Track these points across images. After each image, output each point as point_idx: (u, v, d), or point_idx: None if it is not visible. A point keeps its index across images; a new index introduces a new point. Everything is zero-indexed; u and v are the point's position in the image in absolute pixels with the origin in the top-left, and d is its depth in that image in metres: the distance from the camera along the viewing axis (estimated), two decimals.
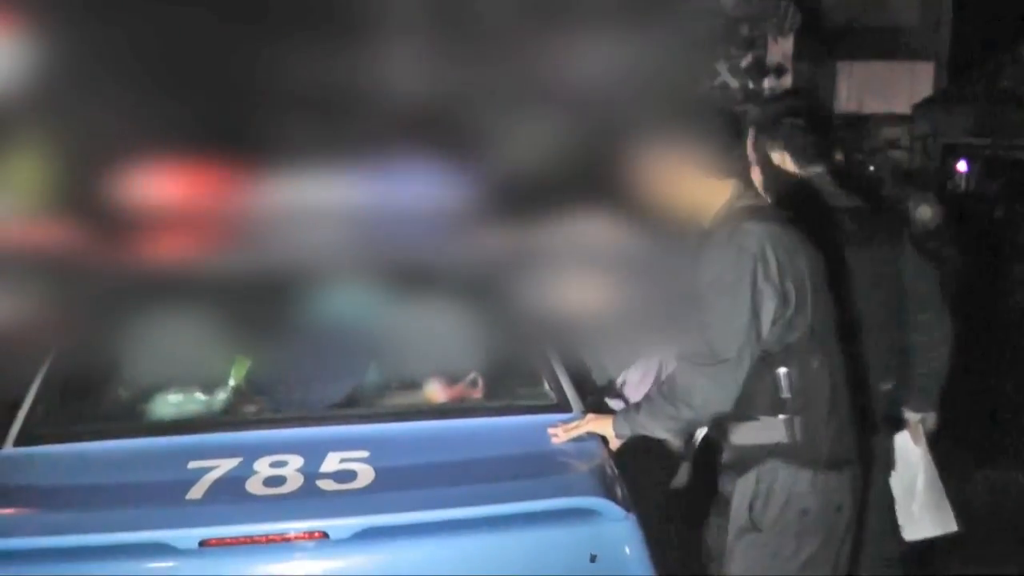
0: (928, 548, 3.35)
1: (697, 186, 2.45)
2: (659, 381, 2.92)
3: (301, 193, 3.06)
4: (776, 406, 2.37)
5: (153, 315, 3.18)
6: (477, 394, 3.05)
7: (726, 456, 2.53)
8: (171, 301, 3.24)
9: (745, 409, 2.40)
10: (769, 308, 2.30)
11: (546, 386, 2.93)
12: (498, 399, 3.05)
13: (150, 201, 3.78)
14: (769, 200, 2.63)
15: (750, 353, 2.32)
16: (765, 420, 2.39)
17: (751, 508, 2.43)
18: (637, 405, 2.56)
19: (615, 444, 2.67)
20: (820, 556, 2.39)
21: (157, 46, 2.63)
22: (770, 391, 2.37)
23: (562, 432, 2.69)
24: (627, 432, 2.59)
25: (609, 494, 2.38)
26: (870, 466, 2.72)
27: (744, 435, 2.44)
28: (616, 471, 2.56)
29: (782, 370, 2.35)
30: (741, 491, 2.45)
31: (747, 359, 2.33)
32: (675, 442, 3.00)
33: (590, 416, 2.74)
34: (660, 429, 2.52)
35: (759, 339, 2.32)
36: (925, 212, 6.04)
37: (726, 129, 2.47)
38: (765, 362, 2.35)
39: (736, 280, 2.29)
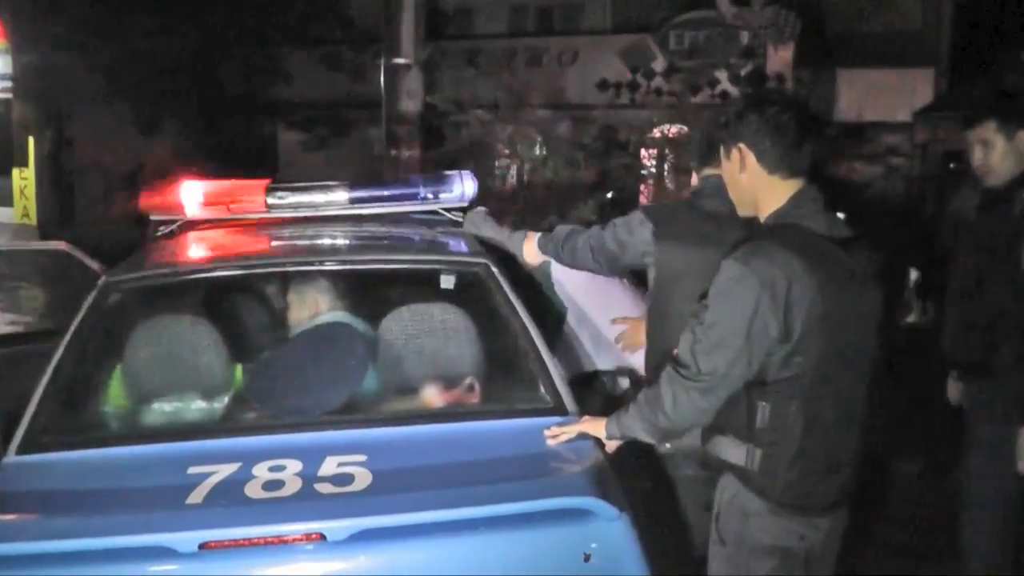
0: None
1: (759, 183, 2.45)
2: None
3: None
4: (745, 432, 2.38)
5: (154, 323, 3.23)
6: (473, 398, 3.09)
7: (707, 459, 2.56)
8: (173, 310, 3.30)
9: (722, 421, 2.43)
10: (765, 339, 2.28)
11: (542, 389, 2.95)
12: (494, 403, 3.10)
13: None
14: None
15: (738, 375, 2.32)
16: (733, 439, 2.42)
17: (717, 519, 2.51)
18: (628, 407, 2.58)
19: (611, 447, 2.71)
20: None
21: None
22: (745, 416, 2.38)
23: (557, 433, 2.72)
24: (617, 434, 2.62)
25: (602, 494, 2.40)
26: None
27: (715, 445, 2.48)
28: (610, 471, 2.59)
29: (762, 403, 2.35)
30: (715, 500, 2.52)
31: (732, 381, 2.34)
32: (659, 448, 3.02)
33: (585, 418, 2.77)
34: (641, 432, 2.55)
35: (749, 365, 2.31)
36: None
37: (795, 124, 2.41)
38: (752, 389, 2.35)
39: (740, 301, 2.28)
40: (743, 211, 2.56)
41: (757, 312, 2.26)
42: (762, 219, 2.48)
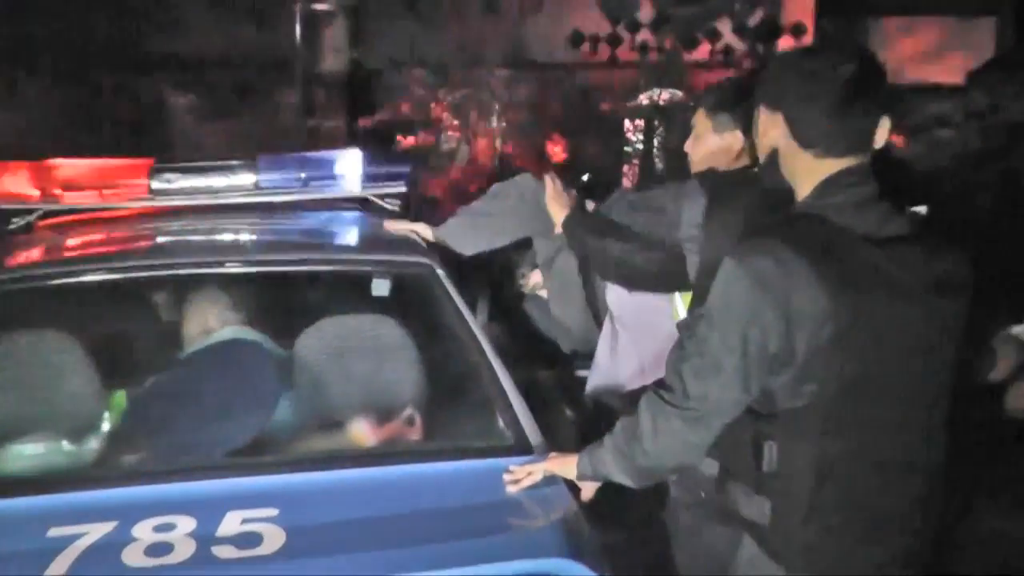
0: None
1: (791, 158, 2.39)
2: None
3: None
4: (751, 477, 2.36)
5: (4, 342, 3.21)
6: (414, 435, 3.10)
7: (724, 512, 2.55)
8: (31, 325, 3.28)
9: (729, 462, 2.44)
10: (765, 354, 2.25)
11: (500, 422, 2.98)
12: (440, 440, 3.12)
13: None
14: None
15: (734, 401, 2.30)
16: (744, 487, 2.40)
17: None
18: (603, 440, 2.57)
19: (587, 492, 2.72)
20: None
21: None
22: (749, 457, 2.35)
23: (519, 476, 2.73)
24: (588, 473, 2.61)
25: (576, 553, 2.42)
26: None
27: (728, 494, 2.46)
28: (585, 524, 2.62)
29: (768, 441, 2.32)
30: (736, 560, 2.53)
31: (727, 409, 2.31)
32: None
33: (552, 455, 2.78)
34: (618, 472, 2.52)
35: (746, 390, 2.29)
36: None
37: (847, 86, 2.28)
38: (760, 422, 2.33)
39: (735, 306, 2.26)
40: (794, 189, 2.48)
41: (754, 320, 2.23)
42: (796, 205, 2.43)
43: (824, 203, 2.33)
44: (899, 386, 2.32)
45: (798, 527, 2.32)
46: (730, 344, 2.26)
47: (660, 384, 2.41)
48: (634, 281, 3.35)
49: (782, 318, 2.22)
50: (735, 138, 3.26)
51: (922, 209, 2.52)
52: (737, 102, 3.20)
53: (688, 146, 3.40)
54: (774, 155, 2.52)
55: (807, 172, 2.37)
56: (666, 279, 3.26)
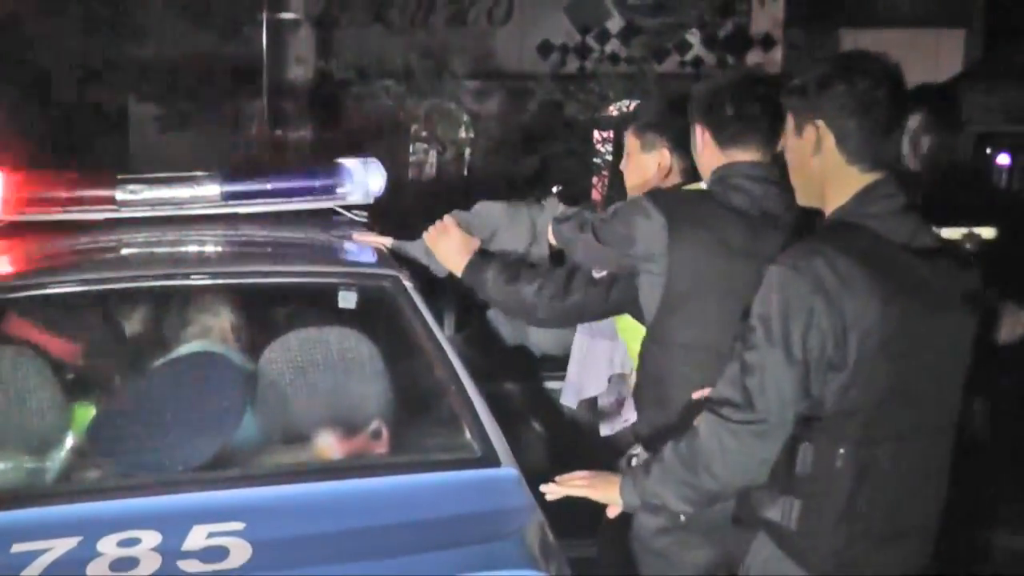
0: None
1: (833, 171, 2.43)
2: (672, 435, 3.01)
3: None
4: (784, 479, 2.38)
5: None
6: (380, 448, 3.11)
7: (739, 511, 2.59)
8: None
9: None
10: (824, 357, 2.28)
11: (467, 435, 2.99)
12: (407, 453, 3.13)
13: None
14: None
15: (798, 409, 2.32)
16: (769, 488, 2.42)
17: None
18: (647, 466, 2.54)
19: (613, 511, 2.67)
20: None
21: None
22: (784, 458, 2.37)
23: (561, 487, 2.68)
24: (636, 503, 2.57)
25: (542, 566, 2.44)
26: None
27: (750, 493, 2.48)
28: (551, 537, 2.63)
29: (804, 444, 2.35)
30: (744, 565, 2.56)
31: (791, 420, 2.33)
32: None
33: (586, 474, 2.70)
34: (675, 499, 2.48)
35: (809, 395, 2.31)
36: None
37: (889, 104, 2.38)
38: (796, 424, 2.35)
39: (792, 311, 2.28)
40: (805, 200, 2.55)
41: (812, 323, 2.26)
42: (827, 215, 2.48)
43: (864, 212, 2.39)
44: (930, 394, 2.40)
45: (829, 530, 2.36)
46: (792, 352, 2.29)
47: (718, 403, 2.40)
48: (551, 323, 3.41)
49: (839, 322, 2.26)
50: (663, 156, 3.33)
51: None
52: (666, 121, 3.26)
53: (623, 164, 3.47)
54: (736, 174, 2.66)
55: (844, 183, 2.43)
56: (586, 313, 3.36)
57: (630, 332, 3.29)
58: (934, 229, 2.47)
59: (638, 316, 3.13)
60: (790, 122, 2.53)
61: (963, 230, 3.88)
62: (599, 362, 3.76)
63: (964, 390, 2.48)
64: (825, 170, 2.45)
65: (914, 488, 2.41)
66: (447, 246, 3.44)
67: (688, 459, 2.42)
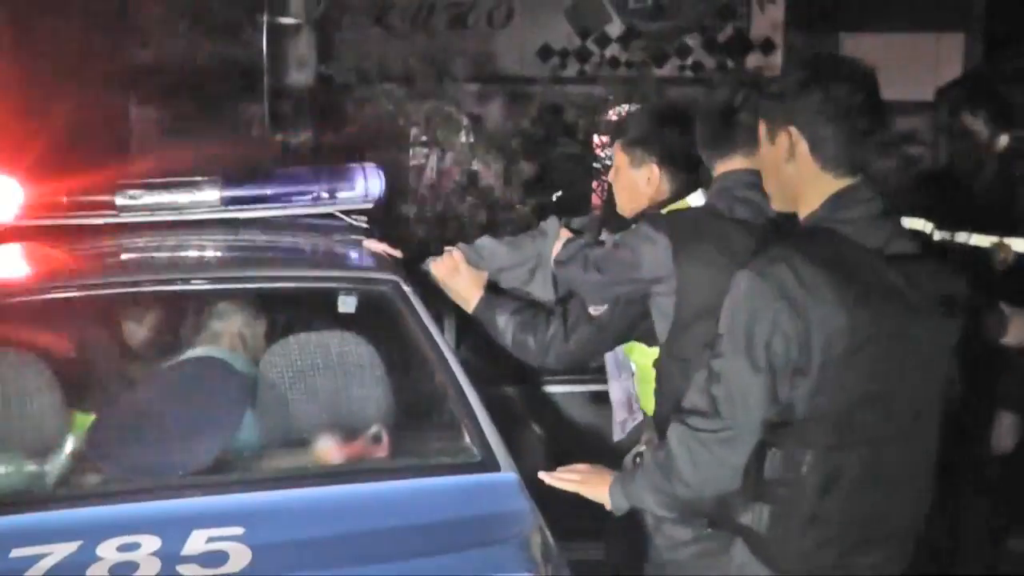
0: None
1: (807, 177, 2.44)
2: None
3: None
4: (752, 484, 2.40)
5: None
6: (380, 452, 3.12)
7: (718, 518, 2.60)
8: None
9: None
10: (789, 364, 2.30)
11: (467, 439, 3.00)
12: (407, 458, 3.14)
13: None
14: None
15: (764, 416, 2.34)
16: (742, 496, 2.43)
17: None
18: (635, 471, 2.60)
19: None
20: None
21: None
22: (753, 463, 2.39)
23: (555, 479, 2.72)
24: (624, 505, 2.62)
25: (541, 570, 2.46)
26: None
27: (724, 500, 2.50)
28: (550, 541, 2.64)
29: (772, 449, 2.36)
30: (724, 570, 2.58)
31: (759, 427, 2.35)
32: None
33: (584, 468, 2.75)
34: (655, 505, 2.55)
35: (776, 402, 2.33)
36: None
37: (866, 110, 2.38)
38: (763, 430, 2.37)
39: (757, 318, 2.30)
40: (779, 205, 2.57)
41: (776, 329, 2.28)
42: (801, 221, 2.49)
43: (837, 217, 2.40)
44: (904, 400, 2.40)
45: (797, 535, 2.38)
46: (756, 359, 2.31)
47: (687, 412, 2.42)
48: (565, 361, 3.38)
49: (802, 327, 2.27)
50: (651, 171, 3.31)
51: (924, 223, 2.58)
52: (653, 136, 3.26)
53: (610, 176, 3.49)
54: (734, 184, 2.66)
55: (818, 189, 2.43)
56: (591, 351, 3.38)
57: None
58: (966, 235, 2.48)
59: (643, 339, 3.18)
60: (762, 129, 2.54)
61: (993, 238, 3.86)
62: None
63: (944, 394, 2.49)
64: (799, 176, 2.46)
65: (889, 494, 2.42)
66: (457, 283, 3.49)
67: (664, 467, 2.45)
